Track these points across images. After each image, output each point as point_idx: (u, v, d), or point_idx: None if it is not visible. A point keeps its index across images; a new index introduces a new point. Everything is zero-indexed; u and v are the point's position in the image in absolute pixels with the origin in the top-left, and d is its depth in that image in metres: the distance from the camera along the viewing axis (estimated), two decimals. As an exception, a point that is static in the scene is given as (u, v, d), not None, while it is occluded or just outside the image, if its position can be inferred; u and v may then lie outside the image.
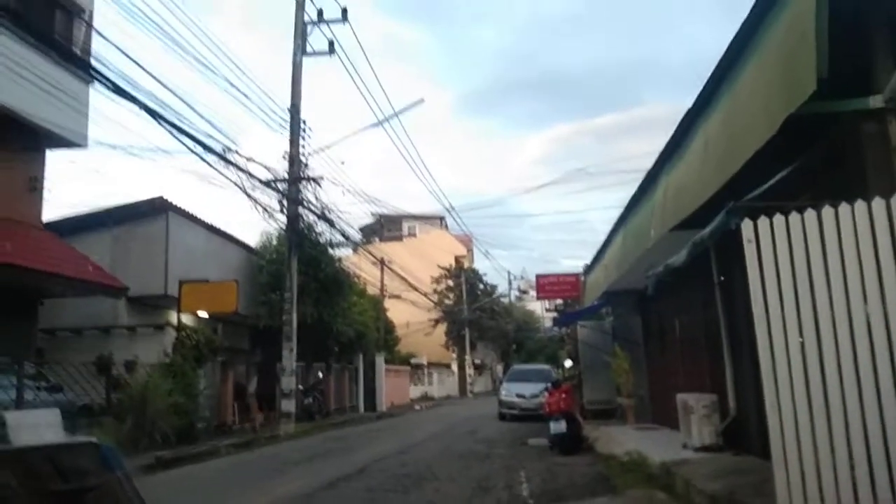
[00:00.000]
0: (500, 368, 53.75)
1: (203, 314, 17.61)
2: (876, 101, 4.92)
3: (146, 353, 15.12)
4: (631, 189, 10.65)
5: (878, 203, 4.68)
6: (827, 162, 6.06)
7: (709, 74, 6.33)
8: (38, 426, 8.70)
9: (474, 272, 55.11)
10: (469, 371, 50.89)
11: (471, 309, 50.11)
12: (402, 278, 34.48)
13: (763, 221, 4.91)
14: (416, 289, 37.38)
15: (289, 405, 17.90)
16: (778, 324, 4.79)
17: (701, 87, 6.59)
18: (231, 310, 16.77)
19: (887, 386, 4.49)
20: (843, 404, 4.57)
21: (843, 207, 4.76)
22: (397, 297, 37.62)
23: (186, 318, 16.53)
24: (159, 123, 12.10)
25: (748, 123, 5.35)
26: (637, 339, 15.74)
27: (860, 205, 4.72)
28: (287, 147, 18.50)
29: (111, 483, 1.51)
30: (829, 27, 4.26)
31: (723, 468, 7.55)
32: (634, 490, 7.74)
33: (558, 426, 12.10)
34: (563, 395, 12.79)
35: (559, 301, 31.08)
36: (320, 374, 25.00)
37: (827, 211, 4.80)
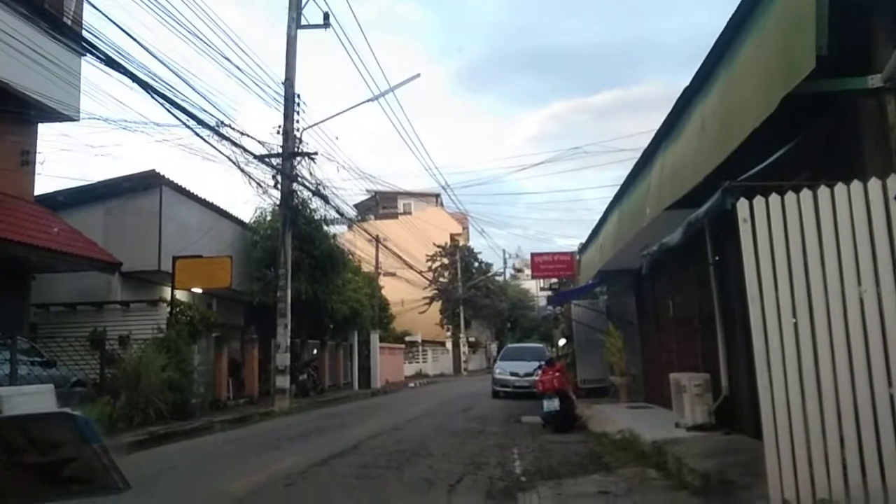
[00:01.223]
0: (494, 347, 54.00)
1: (197, 290, 17.59)
2: (875, 81, 4.87)
3: (140, 329, 15.11)
4: (627, 168, 10.63)
5: (874, 183, 4.65)
6: (824, 142, 6.03)
7: (707, 52, 6.27)
8: (31, 400, 8.70)
9: (469, 250, 55.18)
10: (463, 349, 51.12)
11: (465, 287, 50.24)
12: (397, 256, 34.48)
13: (759, 201, 4.88)
14: (411, 266, 37.42)
15: (283, 381, 17.95)
16: (771, 304, 4.78)
17: (699, 66, 6.53)
18: (225, 286, 16.74)
19: (879, 367, 4.50)
20: (835, 385, 4.58)
21: (840, 187, 4.73)
22: (392, 274, 37.68)
23: (180, 294, 16.51)
24: (151, 96, 12.01)
25: (746, 102, 5.30)
26: (631, 318, 15.79)
27: (856, 185, 4.69)
28: (281, 122, 18.37)
29: (88, 455, 1.48)
30: (828, 5, 4.20)
31: (714, 447, 7.59)
32: (627, 468, 7.79)
33: (551, 404, 12.16)
34: (557, 374, 12.84)
35: (554, 280, 31.12)
36: (315, 351, 25.08)
37: (823, 191, 4.77)
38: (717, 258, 8.93)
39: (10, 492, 1.55)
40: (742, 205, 4.93)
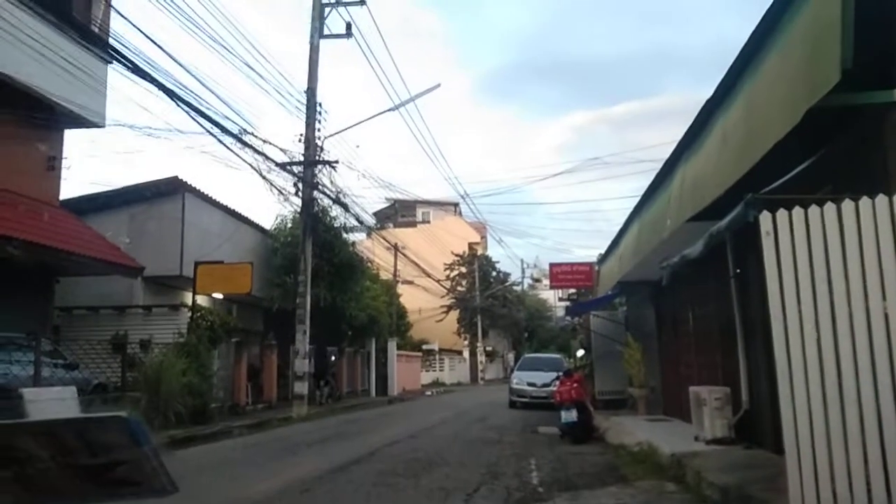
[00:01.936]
0: (511, 356, 53.82)
1: (218, 295, 17.73)
2: (901, 94, 4.84)
3: (161, 333, 15.27)
4: (647, 179, 10.59)
5: (899, 198, 4.61)
6: (848, 155, 5.99)
7: (730, 64, 6.26)
8: (55, 402, 8.82)
9: (487, 259, 55.12)
10: (480, 358, 51.01)
11: (483, 296, 50.16)
12: (416, 264, 34.53)
13: (782, 214, 4.85)
14: (428, 275, 37.43)
15: (301, 388, 18.03)
16: (794, 318, 4.74)
17: (721, 77, 6.52)
18: (245, 291, 16.88)
19: (903, 383, 4.45)
20: (859, 401, 4.53)
21: (864, 201, 4.69)
22: (410, 282, 37.73)
23: (201, 299, 16.65)
24: (177, 104, 12.16)
25: (769, 115, 5.28)
26: (650, 331, 15.69)
27: (881, 199, 4.65)
28: (303, 130, 18.52)
29: (139, 458, 1.52)
30: (854, 18, 4.19)
31: (734, 461, 7.52)
32: (644, 481, 7.73)
33: (569, 415, 12.10)
34: (575, 385, 12.77)
35: (572, 290, 30.98)
36: (333, 358, 25.16)
37: (847, 205, 4.73)
38: (738, 271, 8.86)
39: (62, 493, 1.59)
40: (765, 217, 4.91)
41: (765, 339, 6.99)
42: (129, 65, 11.13)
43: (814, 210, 4.80)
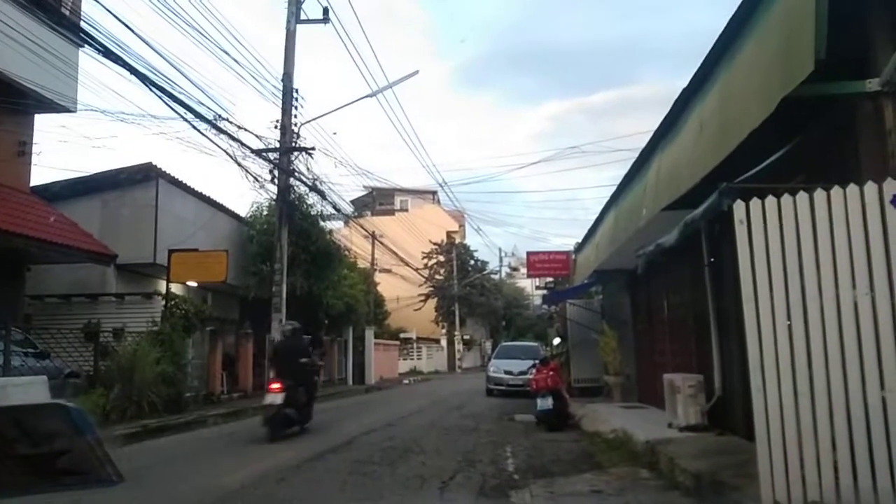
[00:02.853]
0: (489, 345, 54.04)
1: (192, 283, 17.55)
2: (872, 85, 4.88)
3: (134, 322, 15.08)
4: (624, 168, 10.63)
5: (870, 187, 4.66)
6: (822, 145, 6.05)
7: (706, 53, 6.28)
8: (24, 392, 8.69)
9: (465, 248, 55.18)
10: (458, 347, 51.15)
11: (461, 285, 50.24)
12: (393, 252, 34.46)
13: (755, 203, 4.89)
14: (406, 263, 37.40)
15: (277, 376, 17.91)
16: (766, 306, 4.80)
17: (697, 66, 6.54)
18: (220, 280, 16.72)
19: (872, 371, 4.52)
20: (828, 387, 4.60)
21: (836, 191, 4.74)
22: (388, 271, 37.67)
23: (175, 287, 16.47)
24: (149, 89, 11.96)
25: (744, 104, 5.31)
26: (626, 318, 15.83)
27: (852, 188, 4.71)
28: (279, 116, 18.33)
29: (82, 447, 1.47)
30: (828, 8, 4.21)
31: (707, 448, 7.62)
32: (619, 467, 7.80)
33: (545, 403, 12.18)
34: (551, 373, 12.85)
35: (549, 279, 31.11)
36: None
37: (819, 194, 4.78)
38: (712, 259, 8.95)
39: (3, 483, 1.54)
40: (738, 206, 4.95)
41: (738, 327, 7.06)
42: (101, 48, 10.92)
43: (786, 199, 4.84)
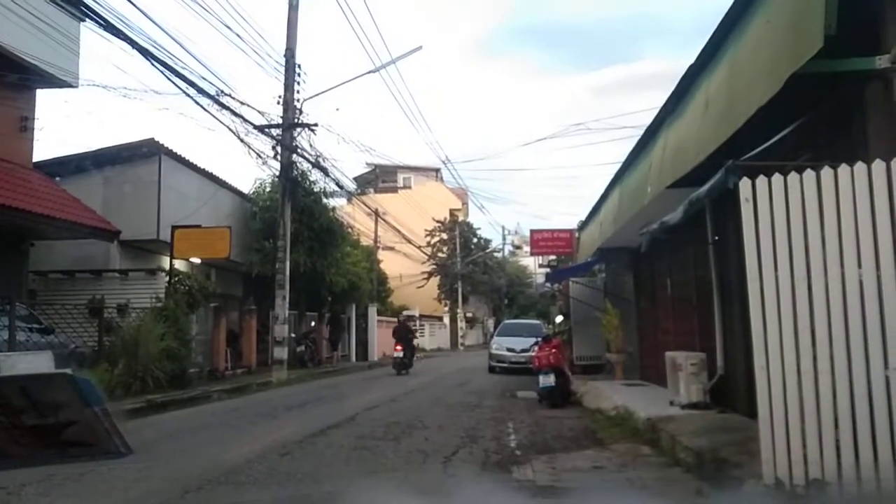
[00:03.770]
0: (491, 322, 54.14)
1: (196, 260, 17.59)
2: (882, 62, 4.81)
3: (138, 298, 15.13)
4: (629, 145, 10.57)
5: (878, 165, 4.61)
6: (829, 122, 5.99)
7: (713, 29, 6.20)
8: (29, 366, 8.73)
9: (468, 226, 55.10)
10: (461, 324, 51.25)
11: (464, 263, 50.25)
12: (396, 230, 34.44)
13: (761, 181, 4.85)
14: (409, 241, 37.38)
15: (281, 352, 18.05)
16: (771, 284, 4.77)
17: (704, 43, 6.47)
18: (224, 256, 16.75)
19: (876, 349, 4.51)
20: (832, 366, 4.59)
21: (843, 169, 4.69)
22: (391, 248, 37.68)
23: (179, 264, 16.50)
24: (151, 63, 11.94)
25: (751, 81, 5.25)
26: (628, 296, 15.82)
27: (860, 167, 4.66)
28: (281, 92, 18.24)
29: (89, 418, 1.46)
30: (838, -18, 4.15)
31: (708, 425, 7.64)
32: (620, 444, 7.85)
33: (547, 380, 12.21)
34: (553, 350, 12.87)
35: (552, 257, 31.11)
36: (313, 323, 25.16)
37: (826, 172, 4.73)
38: (716, 238, 8.92)
39: (10, 454, 1.54)
40: (744, 184, 4.90)
41: (741, 305, 7.06)
42: (103, 22, 10.85)
43: (793, 177, 4.79)
